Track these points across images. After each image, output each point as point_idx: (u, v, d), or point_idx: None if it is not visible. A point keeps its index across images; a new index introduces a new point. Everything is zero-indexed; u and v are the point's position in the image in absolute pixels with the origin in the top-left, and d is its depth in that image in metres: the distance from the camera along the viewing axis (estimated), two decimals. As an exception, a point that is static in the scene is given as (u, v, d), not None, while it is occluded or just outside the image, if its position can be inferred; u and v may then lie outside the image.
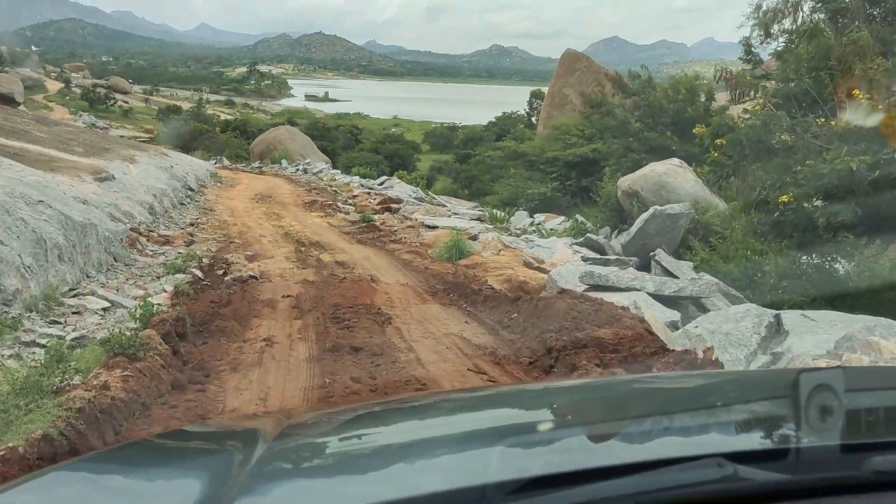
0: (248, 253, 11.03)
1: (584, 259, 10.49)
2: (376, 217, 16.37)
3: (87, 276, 7.71)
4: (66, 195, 9.21)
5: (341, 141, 65.77)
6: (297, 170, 32.33)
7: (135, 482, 1.38)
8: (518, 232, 18.89)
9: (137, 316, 5.85)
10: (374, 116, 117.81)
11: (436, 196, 28.36)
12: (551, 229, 20.16)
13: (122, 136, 40.71)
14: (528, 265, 10.21)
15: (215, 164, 34.25)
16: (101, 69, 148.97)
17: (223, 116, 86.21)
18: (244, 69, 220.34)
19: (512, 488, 0.99)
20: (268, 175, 29.67)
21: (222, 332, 6.21)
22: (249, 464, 1.26)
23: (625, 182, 18.26)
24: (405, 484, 1.15)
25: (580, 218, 21.90)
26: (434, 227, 15.47)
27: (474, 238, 14.21)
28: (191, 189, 16.77)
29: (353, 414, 1.86)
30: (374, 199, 20.55)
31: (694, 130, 17.29)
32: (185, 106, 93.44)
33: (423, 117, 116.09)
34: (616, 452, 1.30)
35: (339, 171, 32.17)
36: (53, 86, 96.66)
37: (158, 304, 6.53)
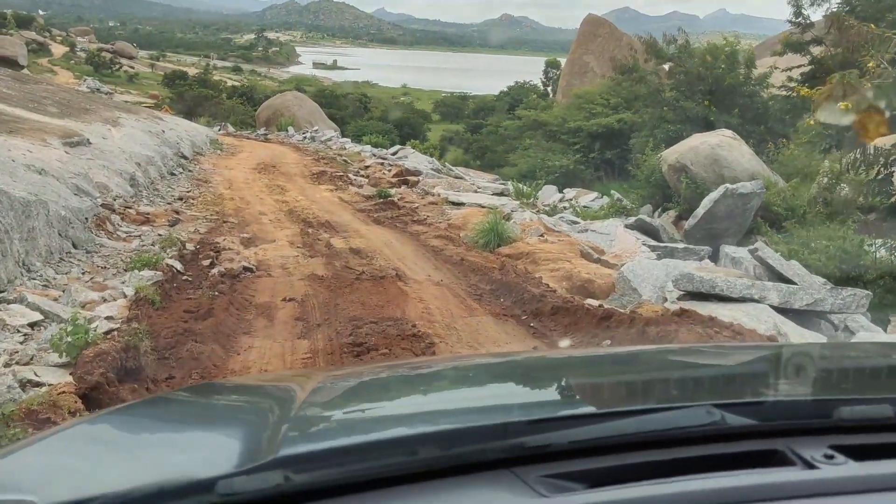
0: (245, 235, 9.15)
1: (653, 249, 8.54)
2: (393, 192, 14.44)
3: (28, 271, 5.87)
4: (16, 163, 7.32)
5: (350, 109, 63.93)
6: (305, 137, 30.32)
7: (168, 434, 1.37)
8: (547, 209, 16.96)
9: (64, 347, 3.95)
10: (383, 85, 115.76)
11: (453, 168, 26.41)
12: (584, 206, 18.21)
13: (125, 101, 39.22)
14: (585, 256, 8.30)
15: (219, 130, 32.37)
16: (107, 34, 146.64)
17: (230, 83, 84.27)
18: (252, 36, 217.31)
19: (530, 427, 1.11)
20: (273, 143, 27.71)
21: (195, 362, 4.37)
22: (289, 415, 1.29)
23: (671, 155, 16.25)
24: (439, 420, 1.30)
25: (616, 194, 19.92)
26: (460, 205, 13.54)
27: (507, 218, 12.31)
28: (184, 157, 14.86)
29: (383, 373, 2.00)
30: (389, 171, 18.60)
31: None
32: (192, 72, 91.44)
33: (433, 87, 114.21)
34: (621, 402, 1.53)
35: (349, 140, 30.15)
36: (59, 49, 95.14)
37: (108, 319, 4.67)
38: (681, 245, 9.32)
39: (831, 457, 1.06)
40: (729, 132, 16.84)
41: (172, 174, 13.05)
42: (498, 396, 1.56)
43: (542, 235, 9.87)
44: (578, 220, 13.11)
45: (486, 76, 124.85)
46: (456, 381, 1.76)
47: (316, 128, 33.24)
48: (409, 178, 16.95)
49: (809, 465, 1.05)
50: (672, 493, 0.98)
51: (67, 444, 1.29)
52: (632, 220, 12.35)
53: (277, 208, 11.44)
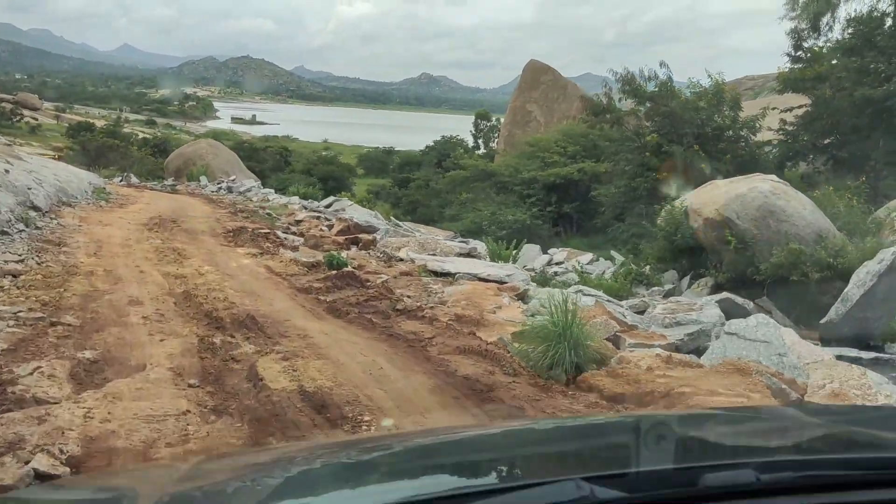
0: (85, 356, 4.64)
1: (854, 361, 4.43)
2: (344, 256, 10.04)
3: None
4: None
5: (270, 162, 60.09)
6: (220, 188, 25.63)
7: None
8: (535, 274, 12.93)
9: None
10: (304, 140, 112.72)
11: (399, 222, 22.16)
12: (582, 270, 14.21)
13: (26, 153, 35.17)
14: (775, 394, 4.15)
15: (120, 181, 27.46)
16: (13, 86, 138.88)
17: (142, 135, 79.29)
18: (167, 90, 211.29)
19: None
20: (182, 194, 22.94)
21: None
22: None
23: (707, 206, 12.47)
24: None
25: (617, 256, 16.05)
26: (444, 275, 9.27)
27: (521, 296, 8.14)
28: (35, 209, 10.13)
29: (251, 470, 1.82)
30: (331, 227, 14.27)
31: None
32: (101, 124, 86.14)
33: (354, 142, 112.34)
34: (491, 478, 1.49)
35: (272, 191, 25.61)
36: None
37: None
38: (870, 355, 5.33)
39: None
40: (773, 176, 13.26)
41: (4, 233, 8.38)
42: (354, 482, 1.50)
43: (653, 348, 5.64)
44: (600, 295, 8.99)
45: (407, 132, 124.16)
46: (306, 468, 1.67)
47: (233, 177, 28.54)
48: (360, 235, 12.62)
49: None
50: None
51: None
52: (714, 298, 8.42)
53: (165, 289, 6.92)
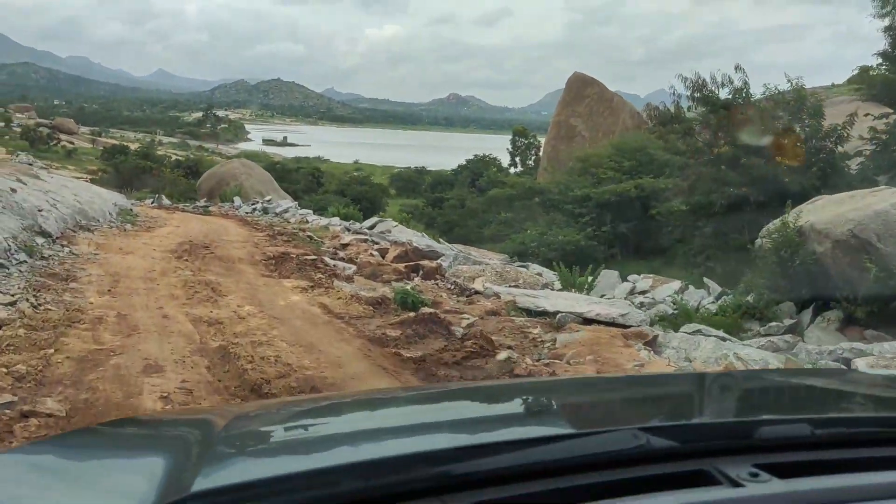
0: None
1: None
2: (410, 288, 8.20)
3: None
4: None
5: (302, 183, 59.17)
6: (255, 209, 24.11)
7: (84, 467, 1.34)
8: (643, 306, 10.97)
9: None
10: (335, 161, 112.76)
11: (451, 245, 20.34)
12: (682, 301, 12.21)
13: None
14: None
15: (151, 203, 26.09)
16: (52, 112, 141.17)
17: (174, 157, 79.27)
18: (200, 113, 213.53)
19: (458, 453, 1.09)
20: (214, 216, 21.44)
21: None
22: (206, 449, 1.25)
23: (835, 226, 10.46)
24: (362, 450, 1.22)
25: (712, 284, 14.04)
26: (542, 315, 7.39)
27: (650, 343, 6.25)
28: (44, 234, 8.49)
29: (301, 406, 1.93)
30: (383, 252, 12.53)
31: None
32: (135, 147, 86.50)
33: (385, 162, 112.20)
34: (548, 427, 1.49)
35: (309, 212, 23.96)
36: None
37: None
38: None
39: (756, 475, 1.07)
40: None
41: (1, 266, 6.70)
42: (423, 426, 1.50)
43: None
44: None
45: (436, 152, 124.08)
46: (379, 412, 1.70)
47: (269, 198, 27.00)
48: (421, 262, 10.78)
49: (735, 484, 1.05)
50: None
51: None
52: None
53: (195, 344, 5.15)
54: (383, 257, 13.47)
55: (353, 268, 11.07)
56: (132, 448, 1.47)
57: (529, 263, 18.95)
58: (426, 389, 2.70)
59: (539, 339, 6.22)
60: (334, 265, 10.72)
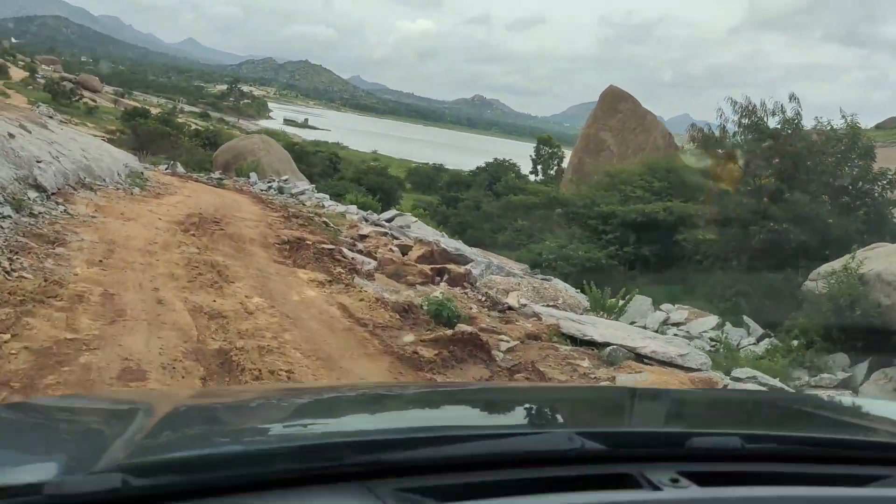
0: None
1: None
2: (444, 298, 7.24)
3: None
4: None
5: (319, 167, 58.56)
6: (271, 188, 23.18)
7: (15, 440, 1.33)
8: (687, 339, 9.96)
9: None
10: (354, 149, 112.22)
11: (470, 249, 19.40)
12: (726, 340, 11.23)
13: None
14: None
15: (165, 169, 25.22)
16: (77, 67, 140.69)
17: (194, 126, 79.04)
18: (225, 86, 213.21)
19: (387, 443, 1.12)
20: (228, 189, 20.57)
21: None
22: (143, 426, 1.26)
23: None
24: (296, 436, 1.26)
25: (752, 324, 13.07)
26: (589, 344, 6.43)
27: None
28: (39, 188, 7.55)
29: (251, 395, 1.94)
30: (403, 248, 11.62)
31: None
32: (156, 112, 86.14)
33: (403, 155, 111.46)
34: (483, 425, 1.54)
35: (326, 197, 23.02)
36: (18, 74, 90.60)
37: None
38: None
39: (676, 481, 1.09)
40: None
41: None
42: (360, 417, 1.56)
43: None
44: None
45: (456, 151, 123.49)
46: (325, 403, 1.73)
47: (286, 177, 26.09)
48: (448, 266, 9.85)
49: (655, 488, 1.07)
50: None
51: None
52: None
53: (191, 343, 4.21)
54: (404, 254, 12.54)
55: (373, 263, 10.15)
56: (67, 424, 1.46)
57: (552, 277, 18.01)
58: (376, 388, 2.68)
59: (591, 376, 5.29)
60: (352, 256, 9.79)
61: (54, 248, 5.83)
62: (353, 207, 20.59)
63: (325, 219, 15.90)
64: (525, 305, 7.70)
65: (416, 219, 20.47)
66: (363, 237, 13.45)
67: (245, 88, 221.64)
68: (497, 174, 68.18)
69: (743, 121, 19.13)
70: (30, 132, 9.64)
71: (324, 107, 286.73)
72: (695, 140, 22.90)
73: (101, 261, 5.79)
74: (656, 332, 10.70)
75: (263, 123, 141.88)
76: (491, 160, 73.02)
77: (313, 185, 24.98)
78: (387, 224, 17.82)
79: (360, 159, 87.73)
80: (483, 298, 8.21)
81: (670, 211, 26.38)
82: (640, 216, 26.59)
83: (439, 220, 49.38)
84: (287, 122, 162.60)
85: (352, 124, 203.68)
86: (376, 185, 57.53)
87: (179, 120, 79.28)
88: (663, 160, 29.56)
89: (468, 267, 9.67)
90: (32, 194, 7.27)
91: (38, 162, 8.05)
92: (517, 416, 1.69)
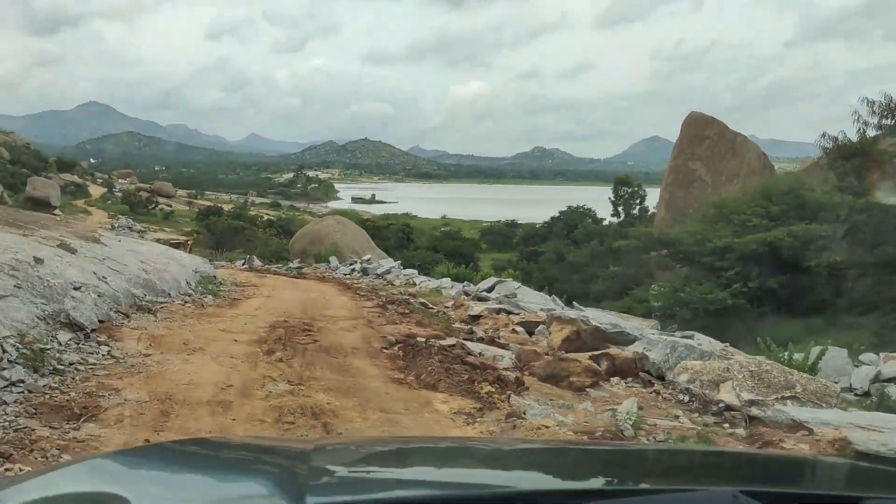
0: None
1: None
2: (628, 409, 4.82)
3: None
4: None
5: (393, 240, 57.57)
6: (353, 270, 21.43)
7: (194, 482, 1.35)
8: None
9: None
10: (423, 216, 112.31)
11: (582, 308, 16.90)
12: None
13: (157, 239, 36.56)
14: None
15: (242, 264, 23.90)
16: (152, 176, 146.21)
17: (266, 217, 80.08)
18: (291, 174, 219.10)
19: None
20: (310, 279, 18.87)
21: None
22: (305, 470, 1.28)
23: None
24: (450, 486, 1.27)
25: None
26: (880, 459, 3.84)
27: None
28: (74, 326, 5.65)
29: (383, 444, 1.95)
30: (529, 325, 9.37)
31: None
32: (228, 208, 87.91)
33: (472, 217, 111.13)
34: (650, 482, 1.45)
35: (414, 272, 21.04)
36: (97, 191, 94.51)
37: None
38: None
39: None
40: None
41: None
42: (498, 475, 1.51)
43: None
44: None
45: (523, 205, 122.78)
46: (450, 457, 1.69)
47: (367, 257, 24.29)
48: (609, 350, 7.48)
49: None
50: None
51: (76, 477, 1.29)
52: None
53: None
54: (530, 333, 10.24)
55: (506, 356, 7.87)
56: (231, 467, 1.43)
57: (694, 333, 15.34)
58: (501, 444, 2.45)
59: None
60: (490, 357, 7.56)
61: (79, 428, 3.82)
62: (447, 280, 18.52)
63: (421, 299, 13.80)
64: (757, 403, 5.28)
65: (519, 284, 18.19)
66: (475, 318, 11.24)
67: (311, 173, 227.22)
68: (573, 222, 65.99)
69: (883, 122, 16.32)
70: (73, 252, 7.92)
71: (388, 180, 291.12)
72: (828, 152, 20.03)
73: (147, 440, 3.73)
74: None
75: (332, 205, 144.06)
76: (563, 209, 70.93)
77: (398, 262, 23.00)
78: (490, 295, 15.63)
79: (430, 226, 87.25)
80: (685, 398, 5.81)
81: (795, 236, 23.37)
82: (760, 246, 23.66)
83: (522, 278, 46.96)
84: (355, 199, 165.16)
85: (417, 193, 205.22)
86: (453, 249, 56.19)
87: (252, 212, 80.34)
88: (779, 181, 26.63)
89: (639, 349, 7.29)
90: (64, 336, 5.39)
91: (75, 289, 6.22)
92: (657, 471, 1.59)
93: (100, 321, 6.17)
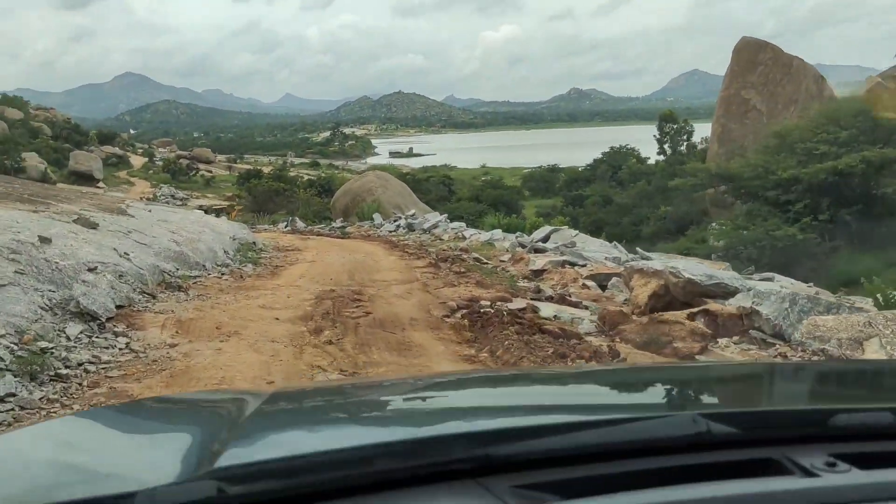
0: None
1: None
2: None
3: None
4: None
5: (434, 193, 56.85)
6: (398, 226, 20.50)
7: (105, 447, 1.30)
8: None
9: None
10: (462, 167, 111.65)
11: (647, 253, 15.68)
12: None
13: (200, 206, 37.31)
14: None
15: (285, 226, 23.29)
16: (192, 144, 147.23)
17: (306, 177, 79.89)
18: (328, 132, 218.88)
19: (499, 435, 1.04)
20: (354, 238, 18.04)
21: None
22: (234, 428, 1.22)
23: None
24: (399, 431, 1.20)
25: None
26: None
27: None
28: (86, 316, 4.79)
29: (342, 389, 1.88)
30: (600, 279, 8.33)
31: None
32: (268, 170, 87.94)
33: (511, 164, 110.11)
34: (599, 411, 1.35)
35: (462, 225, 20.03)
36: (139, 161, 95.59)
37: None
38: None
39: (833, 464, 0.97)
40: None
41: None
42: (469, 409, 1.42)
43: None
44: None
45: (563, 149, 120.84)
46: (423, 394, 1.61)
47: (412, 212, 23.33)
48: (708, 305, 6.41)
49: (810, 474, 0.96)
50: (654, 503, 0.91)
51: (46, 435, 1.32)
52: None
53: None
54: (602, 288, 9.20)
55: (584, 317, 6.88)
56: (155, 429, 1.43)
57: (774, 275, 14.11)
58: (472, 374, 2.40)
59: None
60: (560, 320, 6.55)
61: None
62: (498, 232, 17.47)
63: (474, 254, 12.81)
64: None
65: (576, 232, 17.06)
66: (538, 273, 10.21)
67: (347, 131, 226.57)
68: (617, 163, 64.21)
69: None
70: (94, 227, 7.06)
71: (424, 132, 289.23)
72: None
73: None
74: None
75: (371, 161, 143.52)
76: (605, 150, 69.09)
77: (445, 215, 21.96)
78: (547, 246, 14.57)
79: (471, 176, 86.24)
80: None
81: (868, 161, 21.70)
82: (831, 175, 22.06)
83: (569, 224, 45.68)
84: (392, 154, 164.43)
85: (454, 143, 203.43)
86: (496, 198, 55.09)
87: (291, 173, 79.97)
88: (846, 104, 24.74)
89: (741, 303, 6.20)
90: (74, 329, 4.52)
91: (89, 271, 5.34)
92: (632, 400, 1.51)
93: (118, 307, 5.30)
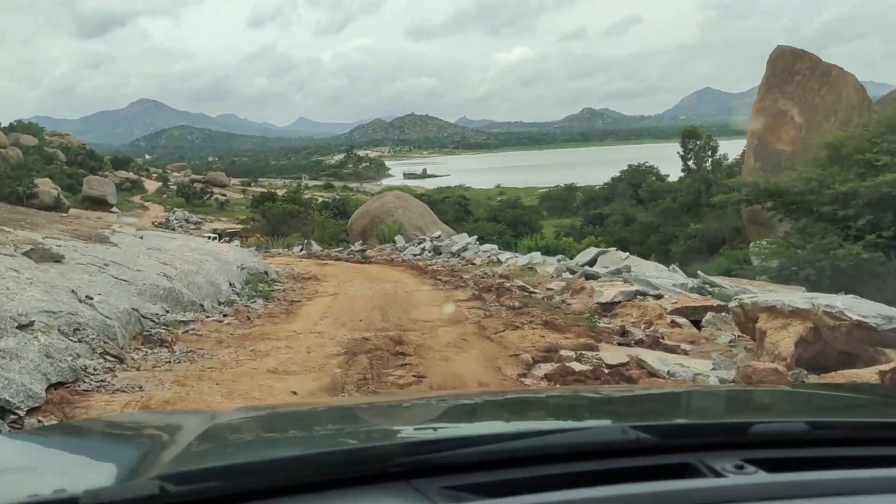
0: None
1: None
2: None
3: None
4: None
5: (450, 213, 55.70)
6: (423, 249, 18.78)
7: (61, 456, 1.36)
8: None
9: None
10: (477, 188, 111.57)
11: (719, 281, 13.79)
12: None
13: (214, 229, 37.98)
14: None
15: (300, 250, 21.65)
16: (206, 168, 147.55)
17: (321, 199, 79.77)
18: (342, 155, 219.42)
19: (426, 445, 1.10)
20: (377, 263, 16.32)
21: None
22: (184, 439, 1.26)
23: None
24: (339, 443, 1.23)
25: None
26: None
27: None
28: (1, 411, 3.08)
29: (294, 410, 1.92)
30: (682, 313, 6.48)
31: None
32: (282, 193, 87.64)
33: (526, 184, 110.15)
34: (531, 423, 1.49)
35: (494, 247, 18.25)
36: (153, 185, 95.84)
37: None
38: None
39: (741, 467, 1.06)
40: None
41: None
42: (411, 423, 1.52)
43: None
44: None
45: (576, 168, 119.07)
46: (369, 415, 1.67)
47: (437, 233, 21.59)
48: (877, 355, 4.41)
49: (718, 475, 1.04)
50: (575, 500, 0.95)
51: None
52: None
53: None
54: (696, 325, 7.40)
55: (710, 374, 5.06)
56: (109, 442, 1.46)
57: (848, 296, 12.17)
58: (420, 399, 2.35)
59: None
60: (677, 378, 4.71)
61: None
62: (537, 255, 15.69)
63: (518, 282, 11.02)
64: None
65: (627, 254, 15.24)
66: (609, 308, 8.42)
67: (361, 153, 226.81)
68: (636, 181, 62.60)
69: None
70: (58, 259, 5.36)
71: (437, 153, 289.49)
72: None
73: None
74: None
75: (385, 182, 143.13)
76: (624, 168, 67.75)
77: (475, 237, 20.20)
78: (598, 271, 12.78)
79: (486, 197, 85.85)
80: None
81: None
82: (895, 188, 20.10)
83: (600, 243, 44.14)
84: (406, 175, 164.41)
85: (468, 164, 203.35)
86: (515, 218, 54.02)
87: (306, 196, 79.25)
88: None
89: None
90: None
91: (18, 328, 3.59)
92: (569, 416, 1.62)
93: (53, 385, 3.56)
